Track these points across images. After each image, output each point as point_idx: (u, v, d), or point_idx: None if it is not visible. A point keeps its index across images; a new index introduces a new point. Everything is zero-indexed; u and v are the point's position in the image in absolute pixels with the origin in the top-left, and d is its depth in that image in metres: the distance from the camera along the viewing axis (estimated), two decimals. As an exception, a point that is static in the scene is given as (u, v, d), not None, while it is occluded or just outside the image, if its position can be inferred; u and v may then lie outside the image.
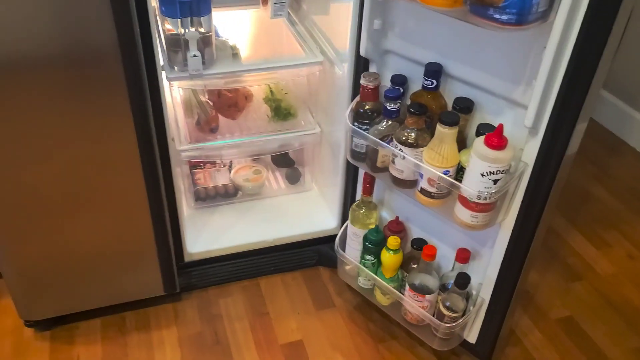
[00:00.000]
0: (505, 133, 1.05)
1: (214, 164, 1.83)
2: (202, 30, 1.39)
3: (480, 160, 1.05)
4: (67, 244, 1.37)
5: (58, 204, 1.30)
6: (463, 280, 1.26)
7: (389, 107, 1.18)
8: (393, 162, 1.22)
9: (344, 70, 1.43)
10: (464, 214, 1.13)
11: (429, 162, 1.13)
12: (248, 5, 1.79)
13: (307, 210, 1.80)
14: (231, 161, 1.86)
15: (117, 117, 1.22)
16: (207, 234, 1.67)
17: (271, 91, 1.73)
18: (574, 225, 1.95)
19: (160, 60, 1.46)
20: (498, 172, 1.05)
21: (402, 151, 1.17)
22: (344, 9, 1.34)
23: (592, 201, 2.06)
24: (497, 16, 0.86)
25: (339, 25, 1.42)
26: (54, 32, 1.07)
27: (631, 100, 2.33)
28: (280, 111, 1.69)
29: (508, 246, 1.21)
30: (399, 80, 1.23)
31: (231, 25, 1.77)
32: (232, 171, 1.83)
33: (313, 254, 1.73)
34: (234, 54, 1.60)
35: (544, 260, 1.81)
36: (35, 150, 1.20)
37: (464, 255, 1.28)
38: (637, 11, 2.13)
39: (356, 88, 1.36)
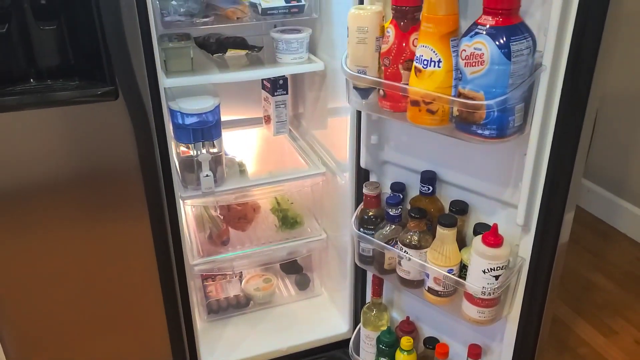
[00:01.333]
0: (500, 231, 1.14)
1: (224, 275, 1.89)
2: (213, 150, 1.53)
3: (480, 258, 1.13)
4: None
5: (76, 323, 1.34)
6: (478, 376, 1.28)
7: (391, 213, 1.29)
8: (399, 263, 1.29)
9: (345, 180, 1.55)
10: (471, 311, 1.19)
11: (433, 262, 1.21)
12: (253, 125, 1.95)
13: (319, 316, 1.84)
14: (241, 272, 1.92)
15: (137, 236, 1.31)
16: (221, 347, 1.69)
17: (277, 202, 1.84)
18: (580, 314, 1.98)
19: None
20: (498, 268, 1.12)
21: (407, 253, 1.25)
22: (341, 124, 1.49)
23: (593, 289, 2.11)
24: (479, 132, 0.99)
25: (338, 138, 1.57)
26: (80, 156, 1.17)
27: (615, 188, 2.46)
28: (288, 220, 1.79)
29: (517, 339, 1.25)
30: (398, 188, 1.34)
31: (238, 144, 1.92)
32: (243, 281, 1.89)
33: (327, 361, 1.75)
34: (241, 170, 1.74)
35: (556, 352, 1.82)
36: (57, 268, 1.27)
37: (475, 352, 1.32)
38: (604, 111, 2.34)
39: (359, 195, 1.47)
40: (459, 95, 1.00)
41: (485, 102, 0.95)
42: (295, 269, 1.95)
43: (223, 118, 1.91)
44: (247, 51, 1.62)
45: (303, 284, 1.91)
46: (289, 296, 1.91)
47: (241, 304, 1.84)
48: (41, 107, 1.10)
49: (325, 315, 1.83)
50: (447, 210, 1.28)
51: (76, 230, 1.26)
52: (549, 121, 1.02)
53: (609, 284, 2.13)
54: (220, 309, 1.81)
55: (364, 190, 1.34)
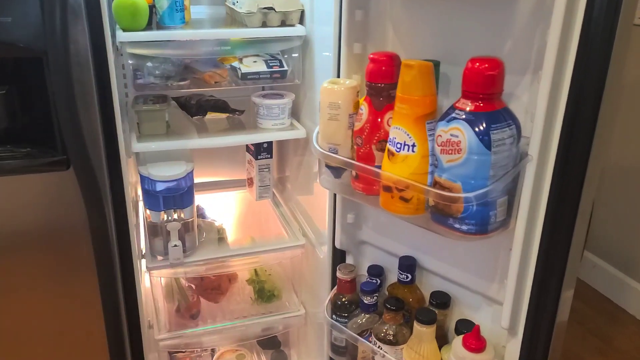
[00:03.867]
0: (485, 330, 1.02)
1: (193, 350, 1.76)
2: (183, 216, 1.43)
3: (460, 364, 1.00)
4: None
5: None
6: None
7: (365, 301, 1.16)
8: (373, 359, 1.16)
9: (324, 254, 1.44)
10: (450, 421, 1.04)
11: (409, 362, 1.08)
12: (236, 187, 1.86)
13: (293, 398, 1.69)
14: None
15: (86, 302, 1.21)
16: None
17: (256, 272, 1.73)
18: (583, 409, 1.80)
19: (143, 248, 1.49)
20: (480, 376, 0.99)
21: (381, 349, 1.12)
22: (324, 192, 1.38)
23: (598, 379, 1.94)
24: (457, 226, 0.88)
25: (320, 208, 1.46)
26: (25, 222, 1.09)
27: (622, 265, 2.31)
28: (264, 293, 1.67)
29: None
30: (375, 272, 1.23)
31: (219, 206, 1.83)
32: (215, 356, 1.74)
33: None
34: (220, 237, 1.63)
35: None
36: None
37: None
38: (607, 181, 2.22)
39: (335, 276, 1.35)
40: (435, 184, 0.90)
41: (463, 195, 0.85)
42: (272, 345, 1.81)
43: (206, 179, 1.85)
44: (227, 114, 1.55)
45: (280, 361, 1.77)
46: (264, 375, 1.76)
47: (210, 383, 1.69)
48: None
49: (302, 399, 1.68)
50: (427, 301, 1.15)
51: (24, 292, 1.17)
52: (536, 215, 0.91)
53: (616, 373, 1.96)
54: (187, 388, 1.67)
55: (338, 274, 1.23)
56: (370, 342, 1.15)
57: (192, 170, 1.40)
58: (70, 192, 1.06)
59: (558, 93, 0.85)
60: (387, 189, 0.95)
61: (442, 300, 1.12)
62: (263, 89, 1.64)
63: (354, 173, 1.03)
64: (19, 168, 1.02)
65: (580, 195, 0.91)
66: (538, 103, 0.85)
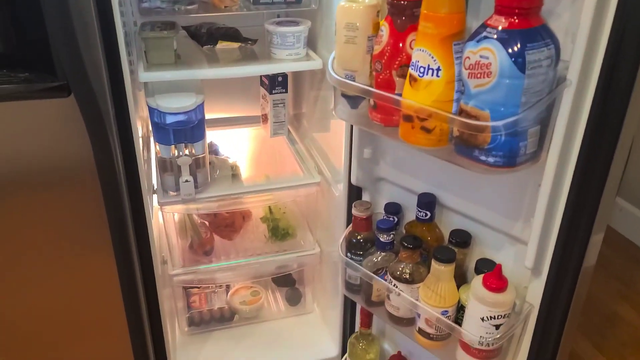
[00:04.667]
0: (507, 270, 0.97)
1: (209, 285, 1.76)
2: (194, 152, 1.38)
3: (479, 304, 0.95)
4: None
5: (27, 331, 1.22)
6: None
7: (381, 239, 1.12)
8: (388, 297, 1.13)
9: (340, 192, 1.39)
10: (466, 361, 1.02)
11: (426, 301, 1.04)
12: (250, 124, 1.80)
13: (308, 335, 1.68)
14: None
15: (96, 240, 1.17)
16: (199, 364, 1.56)
17: (270, 210, 1.69)
18: (601, 351, 1.77)
19: (155, 183, 1.45)
20: (500, 316, 0.95)
21: (397, 287, 1.08)
22: (341, 128, 1.31)
23: (619, 322, 1.90)
24: (483, 158, 0.81)
25: (336, 145, 1.40)
26: (28, 156, 1.04)
27: (652, 210, 2.23)
28: (279, 231, 1.64)
29: (520, 394, 1.07)
30: (393, 209, 1.17)
31: (233, 143, 1.78)
32: (229, 293, 1.74)
33: (313, 385, 1.60)
34: (234, 174, 1.59)
35: (570, 393, 1.63)
36: (9, 277, 1.15)
37: (472, 402, 1.14)
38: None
39: (350, 214, 1.30)
40: (461, 112, 0.82)
41: (490, 124, 0.77)
42: (287, 282, 1.80)
43: (219, 115, 1.78)
44: (239, 44, 1.46)
45: (294, 299, 1.76)
46: (278, 312, 1.76)
47: (225, 318, 1.70)
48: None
49: (315, 335, 1.68)
50: (446, 240, 1.10)
51: (29, 233, 1.13)
52: (571, 148, 0.83)
53: (637, 318, 1.91)
54: (202, 322, 1.68)
55: (353, 211, 1.18)
56: (385, 280, 1.11)
57: (203, 102, 1.34)
58: (72, 121, 1.01)
59: (603, 11, 0.75)
60: (408, 118, 0.87)
61: (462, 238, 1.07)
62: (278, 16, 1.54)
63: (372, 102, 0.95)
64: (17, 93, 0.97)
65: (621, 128, 0.82)
66: (581, 22, 0.75)
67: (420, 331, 1.08)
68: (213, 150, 1.69)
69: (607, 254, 2.18)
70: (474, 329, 0.98)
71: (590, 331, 1.84)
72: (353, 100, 1.00)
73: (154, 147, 1.45)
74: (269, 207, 1.68)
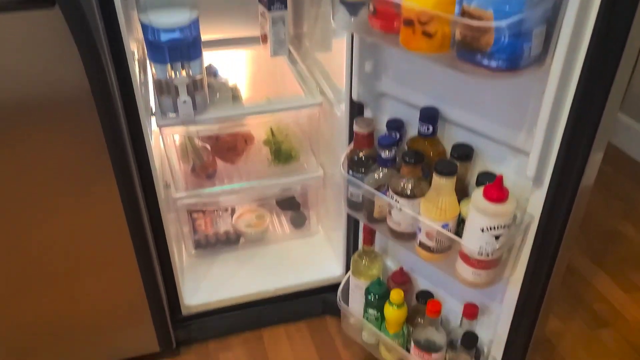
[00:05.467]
0: (508, 182, 0.96)
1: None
2: (191, 73, 1.35)
3: (479, 215, 0.95)
4: (52, 305, 1.31)
5: (38, 266, 1.24)
6: (469, 340, 1.15)
7: (382, 156, 1.11)
8: (390, 213, 1.13)
9: (341, 112, 1.37)
10: (465, 271, 1.03)
11: (427, 214, 1.04)
12: (250, 46, 1.75)
13: (313, 256, 1.72)
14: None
15: (96, 167, 1.16)
16: (206, 285, 1.60)
17: (273, 133, 1.68)
18: (600, 267, 1.81)
19: (152, 106, 1.43)
20: (499, 227, 0.95)
21: (398, 202, 1.09)
22: (342, 47, 1.27)
23: (620, 240, 1.92)
24: (485, 62, 0.78)
25: (337, 63, 1.36)
26: (24, 81, 1.02)
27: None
28: (281, 154, 1.63)
29: (518, 302, 1.10)
30: (395, 125, 1.16)
31: (233, 65, 1.74)
32: (235, 216, 1.77)
33: (319, 303, 1.65)
34: (234, 96, 1.56)
35: (568, 306, 1.68)
36: (13, 211, 1.16)
37: (471, 311, 1.18)
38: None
39: (352, 132, 1.29)
40: (463, 13, 0.78)
41: (493, 24, 0.74)
42: (291, 205, 1.82)
43: (217, 36, 1.73)
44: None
45: (299, 221, 1.78)
46: (283, 234, 1.79)
47: (231, 241, 1.73)
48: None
49: (320, 255, 1.71)
50: (449, 155, 1.09)
51: (29, 168, 1.12)
52: (577, 51, 0.80)
53: (638, 235, 1.93)
54: (208, 245, 1.71)
55: (354, 128, 1.16)
56: (387, 196, 1.11)
57: (197, 18, 1.29)
58: (60, 37, 0.97)
59: None
60: (409, 22, 0.83)
61: (463, 152, 1.06)
62: None
63: (371, 8, 0.91)
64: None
65: (629, 31, 0.79)
66: None
67: (421, 245, 1.09)
68: (212, 72, 1.65)
69: (610, 173, 2.18)
70: (473, 240, 0.99)
71: (590, 249, 1.87)
72: (352, 7, 0.95)
73: (150, 70, 1.42)
74: (271, 130, 1.67)
